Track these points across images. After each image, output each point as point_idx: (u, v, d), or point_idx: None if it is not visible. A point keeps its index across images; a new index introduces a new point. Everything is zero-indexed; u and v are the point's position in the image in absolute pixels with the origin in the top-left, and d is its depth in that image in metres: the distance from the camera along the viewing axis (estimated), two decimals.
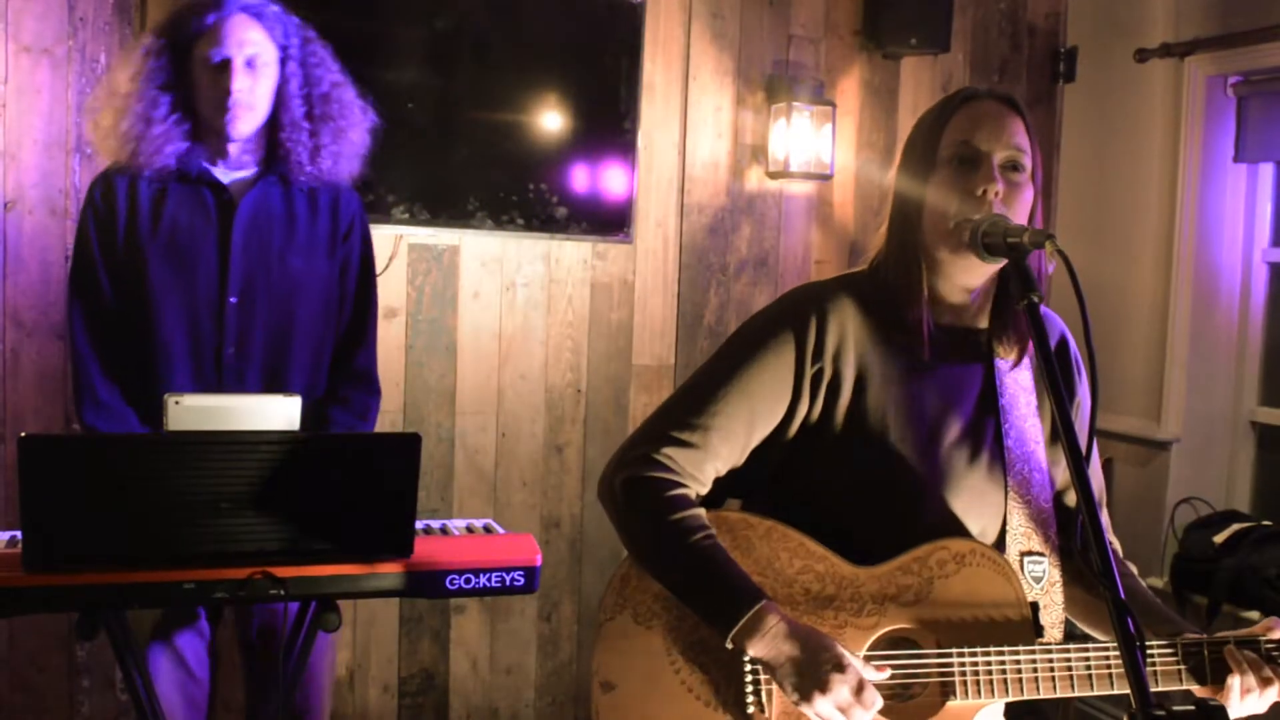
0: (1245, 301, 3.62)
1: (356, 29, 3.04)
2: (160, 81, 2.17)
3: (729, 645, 1.44)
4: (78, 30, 2.89)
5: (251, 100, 2.18)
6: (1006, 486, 1.56)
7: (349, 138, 2.28)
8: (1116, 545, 1.71)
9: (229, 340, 2.22)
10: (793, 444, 1.56)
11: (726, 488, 1.62)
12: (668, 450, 1.52)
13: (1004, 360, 1.58)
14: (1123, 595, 1.20)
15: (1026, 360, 1.60)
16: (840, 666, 1.40)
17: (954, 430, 1.55)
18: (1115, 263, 3.78)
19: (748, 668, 1.47)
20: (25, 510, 1.63)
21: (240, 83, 2.16)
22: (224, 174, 2.25)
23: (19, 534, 1.77)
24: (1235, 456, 3.66)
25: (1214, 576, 3.28)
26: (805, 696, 1.40)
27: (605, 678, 1.51)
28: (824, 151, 3.58)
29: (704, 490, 1.56)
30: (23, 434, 1.62)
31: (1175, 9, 3.61)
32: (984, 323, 1.59)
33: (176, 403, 1.81)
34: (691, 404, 1.55)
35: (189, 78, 2.20)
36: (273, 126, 2.25)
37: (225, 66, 2.16)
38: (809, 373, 1.53)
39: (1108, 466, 3.79)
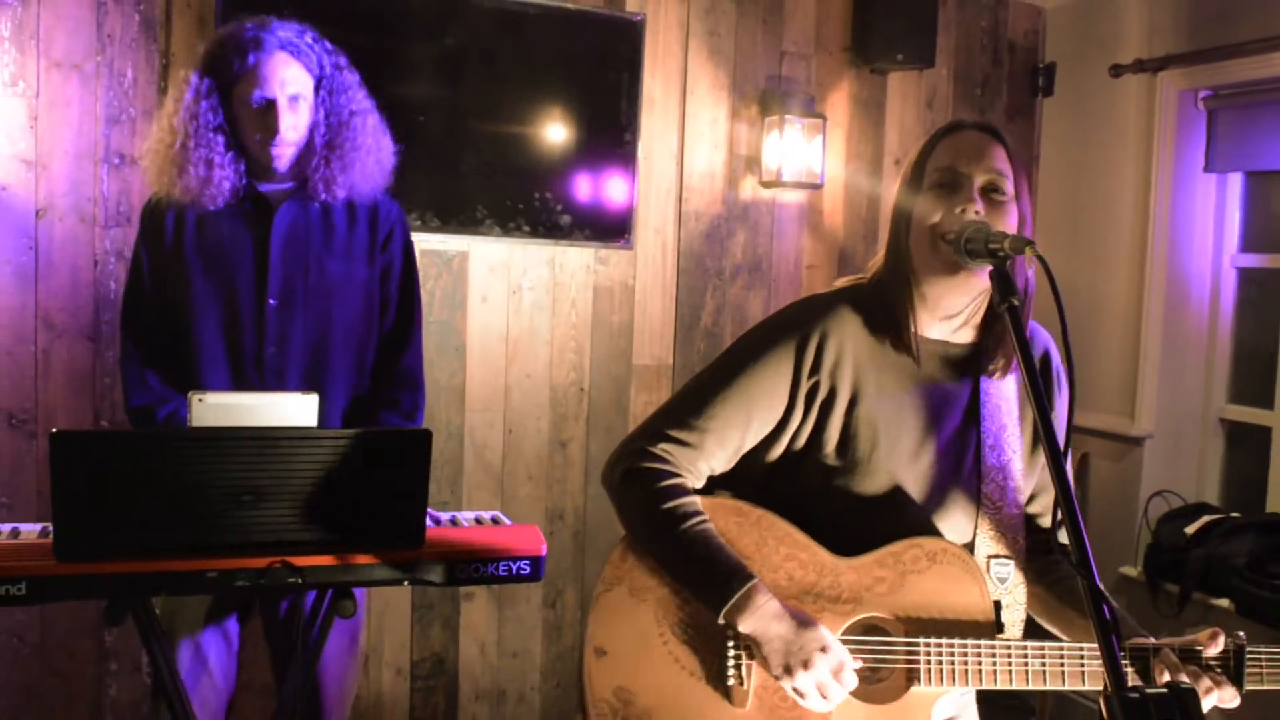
0: (1215, 304, 3.62)
1: (372, 46, 3.05)
2: (215, 123, 2.16)
3: (721, 621, 1.47)
4: (106, 46, 2.89)
5: (295, 137, 2.20)
6: (981, 496, 1.58)
7: (364, 163, 2.25)
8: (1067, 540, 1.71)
9: (269, 340, 2.21)
10: (784, 452, 1.58)
11: (718, 484, 1.63)
12: (665, 446, 1.55)
13: (989, 374, 1.59)
14: (1099, 584, 1.20)
15: (1010, 374, 1.60)
16: (824, 647, 1.44)
17: (939, 443, 1.56)
18: (1091, 267, 3.78)
19: (730, 644, 1.49)
20: (56, 502, 1.63)
21: (285, 122, 2.16)
22: (265, 186, 2.26)
23: (50, 525, 1.78)
24: (1205, 451, 3.66)
25: (1185, 566, 3.28)
26: (789, 671, 1.43)
27: (599, 644, 1.54)
28: (815, 162, 3.58)
29: (698, 485, 1.58)
30: (54, 430, 1.61)
31: (1148, 26, 3.61)
32: (970, 338, 1.59)
33: (200, 400, 1.81)
34: (691, 405, 1.57)
35: (232, 112, 2.19)
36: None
37: (270, 107, 2.15)
38: (805, 386, 1.54)
39: (1083, 461, 3.79)
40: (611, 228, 3.46)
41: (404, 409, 2.31)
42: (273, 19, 2.20)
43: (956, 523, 1.57)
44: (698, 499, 1.54)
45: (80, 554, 1.68)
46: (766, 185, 3.63)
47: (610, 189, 3.45)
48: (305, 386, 2.23)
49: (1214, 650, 1.48)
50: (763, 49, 3.63)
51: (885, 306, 1.55)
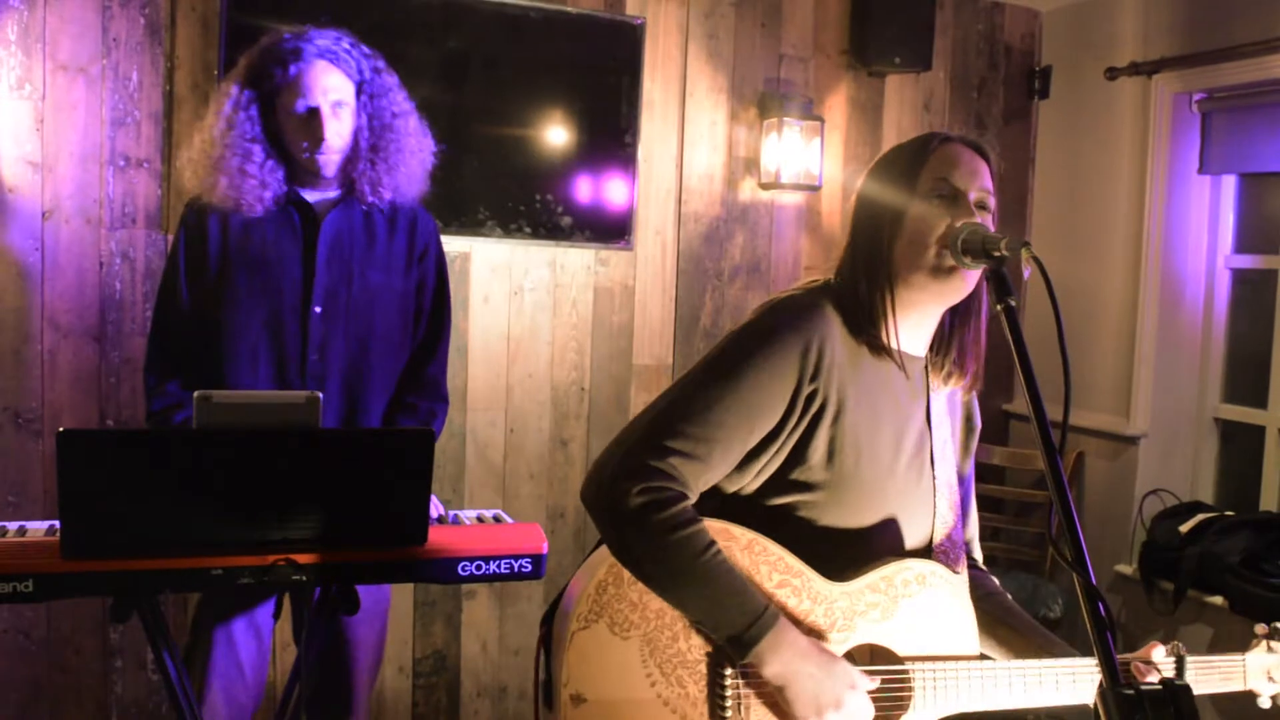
0: (1209, 305, 3.63)
1: (375, 48, 3.04)
2: (252, 134, 2.17)
3: (747, 663, 1.39)
4: (111, 50, 2.89)
5: (341, 143, 2.20)
6: (935, 508, 1.56)
7: (408, 165, 2.27)
8: (978, 556, 1.72)
9: (313, 346, 2.22)
10: (763, 466, 1.49)
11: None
12: (673, 461, 1.40)
13: (936, 387, 1.58)
14: (1093, 580, 1.19)
15: (947, 389, 1.60)
16: (853, 685, 1.40)
17: (906, 453, 1.54)
18: (1087, 268, 3.78)
19: (728, 681, 1.40)
20: (63, 501, 1.63)
21: (330, 130, 2.17)
22: (310, 195, 2.26)
23: (57, 523, 1.78)
24: (1199, 451, 3.66)
25: (1180, 564, 3.28)
26: (819, 712, 1.39)
27: (576, 690, 1.38)
28: (813, 164, 3.59)
29: (693, 501, 1.44)
30: (61, 429, 1.62)
31: (1144, 30, 3.61)
32: (923, 350, 1.57)
33: (207, 399, 1.81)
34: (693, 414, 1.42)
35: (276, 122, 2.20)
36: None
37: (314, 114, 2.16)
38: (806, 391, 1.45)
39: (1079, 460, 3.79)
40: (612, 229, 3.46)
41: (420, 415, 2.32)
42: (310, 28, 2.21)
43: (918, 538, 1.55)
44: (705, 523, 1.41)
45: (86, 552, 1.69)
46: (765, 187, 3.63)
47: (610, 191, 3.45)
48: (345, 392, 2.25)
49: (1158, 652, 1.52)
50: (761, 52, 3.63)
51: (861, 310, 1.50)
